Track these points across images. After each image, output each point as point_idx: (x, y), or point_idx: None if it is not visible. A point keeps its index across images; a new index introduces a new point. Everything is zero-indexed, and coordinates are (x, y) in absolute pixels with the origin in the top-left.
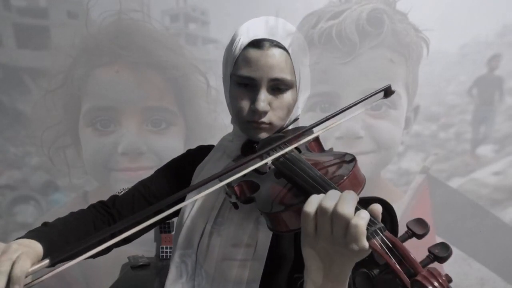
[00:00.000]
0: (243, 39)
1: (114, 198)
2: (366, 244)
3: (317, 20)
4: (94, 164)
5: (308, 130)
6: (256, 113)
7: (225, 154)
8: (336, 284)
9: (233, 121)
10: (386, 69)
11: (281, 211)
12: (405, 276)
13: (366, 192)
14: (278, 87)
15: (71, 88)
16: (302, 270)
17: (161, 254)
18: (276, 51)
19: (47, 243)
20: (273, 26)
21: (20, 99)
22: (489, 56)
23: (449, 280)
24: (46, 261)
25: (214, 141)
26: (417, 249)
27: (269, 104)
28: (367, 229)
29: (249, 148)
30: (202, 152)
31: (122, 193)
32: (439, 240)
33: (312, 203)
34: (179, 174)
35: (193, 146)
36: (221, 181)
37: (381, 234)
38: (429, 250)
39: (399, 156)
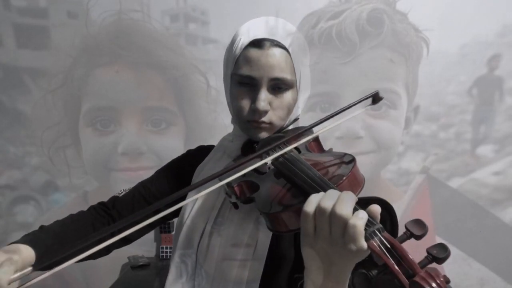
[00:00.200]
0: (244, 39)
1: (114, 199)
2: (364, 244)
3: (317, 20)
4: (94, 164)
5: (308, 130)
6: (256, 113)
7: (225, 154)
8: (336, 284)
9: (233, 121)
10: (386, 69)
11: (280, 211)
12: (403, 276)
13: (366, 192)
14: (278, 86)
15: (71, 88)
16: (302, 270)
17: (161, 254)
18: (276, 51)
19: (41, 247)
20: (273, 26)
21: (20, 99)
22: (489, 56)
23: (447, 281)
24: (29, 269)
25: (214, 141)
26: (416, 249)
27: (270, 103)
28: (366, 229)
29: (249, 148)
30: (202, 152)
31: (122, 194)
32: (439, 240)
33: (312, 203)
34: (179, 174)
35: (193, 146)
36: (220, 180)
37: (380, 235)
38: (427, 251)
39: (399, 156)
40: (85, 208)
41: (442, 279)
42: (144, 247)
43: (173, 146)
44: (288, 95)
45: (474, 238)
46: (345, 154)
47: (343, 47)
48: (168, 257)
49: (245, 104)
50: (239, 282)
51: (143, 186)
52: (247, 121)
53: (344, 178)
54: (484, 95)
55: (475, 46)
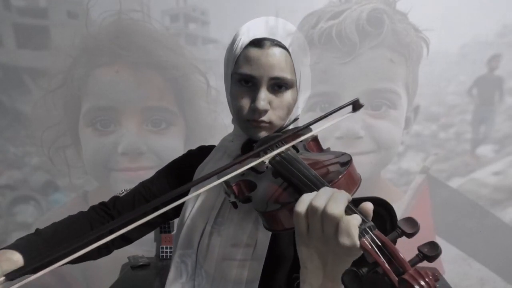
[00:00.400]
0: (244, 39)
1: (115, 199)
2: (357, 239)
3: (317, 20)
4: (94, 164)
5: (305, 129)
6: (256, 112)
7: (225, 154)
8: (331, 282)
9: (233, 121)
10: (386, 69)
11: (276, 210)
12: (393, 275)
13: (366, 192)
14: (278, 86)
15: (71, 88)
16: None
17: (161, 254)
18: (276, 50)
19: (31, 252)
20: (274, 26)
21: (20, 99)
22: (489, 56)
23: (436, 279)
24: (2, 278)
25: (214, 141)
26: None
27: (269, 103)
28: (358, 227)
29: (249, 147)
30: (203, 152)
31: (123, 194)
32: (439, 240)
33: (303, 202)
34: (180, 174)
35: (193, 146)
36: (218, 178)
37: (371, 233)
38: (418, 249)
39: (399, 156)
40: (85, 208)
41: (431, 277)
42: (144, 247)
43: (173, 146)
44: (288, 95)
45: (474, 238)
46: (342, 153)
47: (343, 47)
48: (168, 257)
49: (245, 103)
50: (238, 282)
51: (143, 186)
52: (247, 120)
53: (340, 177)
54: (484, 95)
55: (475, 46)
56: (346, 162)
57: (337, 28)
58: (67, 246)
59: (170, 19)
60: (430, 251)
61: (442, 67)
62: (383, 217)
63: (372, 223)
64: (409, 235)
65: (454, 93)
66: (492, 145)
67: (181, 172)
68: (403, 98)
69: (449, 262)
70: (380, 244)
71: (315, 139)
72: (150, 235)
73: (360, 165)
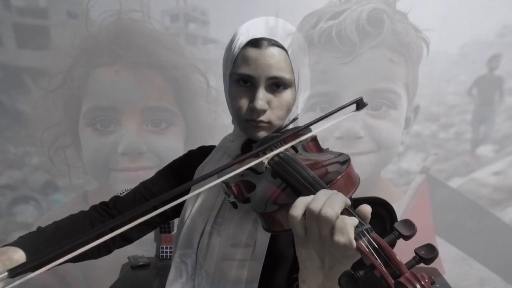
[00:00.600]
0: (242, 38)
1: (115, 199)
2: (352, 237)
3: (317, 20)
4: (94, 164)
5: (305, 129)
6: (254, 112)
7: (225, 154)
8: (331, 282)
9: (233, 121)
10: (386, 69)
11: (274, 211)
12: (390, 277)
13: (366, 192)
14: (277, 85)
15: (71, 88)
16: None
17: (161, 254)
18: (274, 50)
19: (33, 249)
20: (273, 26)
21: (20, 99)
22: (489, 56)
23: (432, 282)
24: (5, 274)
25: (214, 141)
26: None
27: (268, 103)
28: (354, 229)
29: (249, 147)
30: (203, 152)
31: (124, 194)
32: (439, 240)
33: (298, 207)
34: (180, 174)
35: (193, 146)
36: (218, 178)
37: (368, 235)
38: (415, 252)
39: (399, 156)
40: (85, 208)
41: (427, 280)
42: (144, 247)
43: (173, 146)
44: (287, 94)
45: (474, 238)
46: (341, 153)
47: (343, 47)
48: (168, 257)
49: (244, 103)
50: (238, 282)
51: (144, 186)
52: (246, 120)
53: (338, 177)
54: (484, 95)
55: (475, 46)
56: (345, 163)
57: (337, 28)
58: (69, 243)
59: (170, 19)
60: (427, 254)
61: (442, 67)
62: (383, 217)
63: (369, 226)
64: (406, 237)
65: (454, 93)
66: (492, 145)
67: (181, 172)
68: (403, 98)
69: (449, 262)
70: (377, 246)
71: (314, 139)
72: (150, 235)
73: (360, 165)
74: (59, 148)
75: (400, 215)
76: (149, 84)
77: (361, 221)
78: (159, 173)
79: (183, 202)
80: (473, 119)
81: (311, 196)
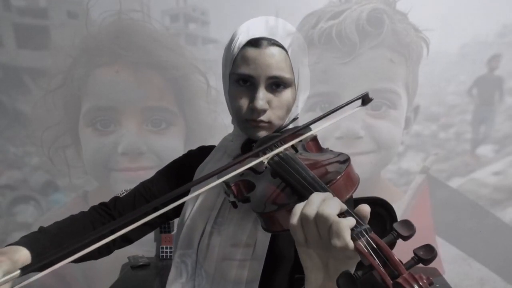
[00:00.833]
0: (242, 38)
1: (115, 199)
2: (349, 241)
3: (317, 20)
4: (94, 164)
5: (305, 128)
6: (255, 112)
7: (225, 154)
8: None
9: (233, 121)
10: (386, 69)
11: (273, 211)
12: (388, 278)
13: (366, 192)
14: (277, 85)
15: (71, 88)
16: (302, 270)
17: (161, 254)
18: (274, 50)
19: (38, 248)
20: (273, 26)
21: (20, 99)
22: (489, 56)
23: (430, 283)
24: (17, 272)
25: (214, 141)
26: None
27: (268, 103)
28: (353, 230)
29: (249, 147)
30: (203, 152)
31: (123, 194)
32: (439, 240)
33: (295, 214)
34: (180, 174)
35: (193, 146)
36: (218, 178)
37: (367, 236)
38: (414, 252)
39: (399, 156)
40: (85, 208)
41: (425, 281)
42: (144, 247)
43: (173, 146)
44: (287, 94)
45: (474, 238)
46: (340, 153)
47: (343, 47)
48: (168, 257)
49: (244, 103)
50: (238, 282)
51: (144, 186)
52: (246, 120)
53: (338, 177)
54: (484, 95)
55: (475, 46)
56: (344, 162)
57: (337, 28)
58: (73, 244)
59: (170, 19)
60: (426, 254)
61: (442, 67)
62: (383, 217)
63: (367, 226)
64: (405, 238)
65: (454, 93)
66: (492, 145)
67: (181, 172)
68: (403, 98)
69: (449, 262)
70: (375, 247)
71: (314, 139)
72: (150, 235)
73: (360, 165)
74: (59, 148)
75: (400, 215)
76: (149, 84)
77: (360, 221)
78: (159, 173)
79: (183, 202)
80: (473, 119)
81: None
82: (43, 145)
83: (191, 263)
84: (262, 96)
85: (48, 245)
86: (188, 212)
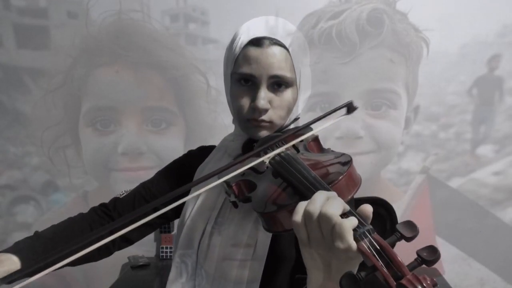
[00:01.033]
0: (243, 38)
1: (115, 200)
2: (352, 243)
3: (317, 20)
4: (94, 164)
5: (306, 128)
6: (256, 111)
7: (226, 154)
8: (331, 283)
9: (234, 121)
10: (386, 69)
11: (274, 211)
12: (391, 279)
13: (366, 192)
14: (278, 85)
15: (71, 88)
16: (303, 271)
17: (161, 254)
18: (276, 49)
19: (28, 255)
20: (273, 26)
21: (20, 99)
22: (489, 56)
23: (434, 284)
24: None
25: (214, 141)
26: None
27: (270, 102)
28: (356, 230)
29: (250, 147)
30: (203, 152)
31: (123, 195)
32: (439, 240)
33: (298, 212)
34: (180, 175)
35: (193, 146)
36: (218, 178)
37: (370, 236)
38: (417, 253)
39: (399, 156)
40: (85, 208)
41: (429, 282)
42: (144, 247)
43: (173, 146)
44: (288, 94)
45: (474, 238)
46: (343, 154)
47: (343, 47)
48: (168, 257)
49: (245, 102)
50: (239, 282)
51: (144, 187)
52: (247, 120)
53: (340, 178)
54: (484, 95)
55: (475, 46)
56: (346, 163)
57: (337, 28)
58: (65, 248)
59: (170, 19)
60: (429, 255)
61: (442, 67)
62: (383, 217)
63: (371, 227)
64: (408, 239)
65: (454, 93)
66: (492, 145)
67: (181, 172)
68: (403, 98)
69: (449, 262)
70: (378, 247)
71: (315, 139)
72: (150, 235)
73: (360, 165)
74: (59, 148)
75: (400, 215)
76: (149, 84)
77: (363, 222)
78: (159, 174)
79: (184, 202)
80: (473, 119)
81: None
82: (43, 145)
83: (191, 263)
84: (264, 96)
85: (40, 251)
86: (189, 212)
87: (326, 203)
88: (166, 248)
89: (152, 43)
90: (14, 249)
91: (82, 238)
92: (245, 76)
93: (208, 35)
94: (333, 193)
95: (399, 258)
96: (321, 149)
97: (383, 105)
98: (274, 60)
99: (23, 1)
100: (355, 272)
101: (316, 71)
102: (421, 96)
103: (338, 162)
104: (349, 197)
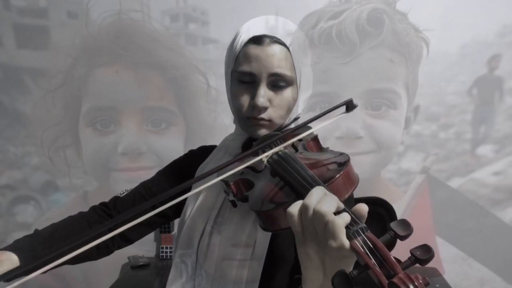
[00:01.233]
0: (244, 36)
1: (115, 199)
2: (345, 241)
3: (317, 20)
4: (94, 164)
5: (304, 128)
6: (255, 109)
7: (226, 154)
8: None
9: (234, 121)
10: (386, 69)
11: (271, 209)
12: (384, 278)
13: (366, 192)
14: (278, 83)
15: (71, 88)
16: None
17: (161, 254)
18: (276, 47)
19: (27, 253)
20: (274, 25)
21: (20, 99)
22: (489, 56)
23: (426, 283)
24: None
25: (214, 141)
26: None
27: (270, 101)
28: (349, 228)
29: (250, 146)
30: (203, 152)
31: (123, 194)
32: (439, 240)
33: (296, 204)
34: (180, 174)
35: (193, 146)
36: (218, 176)
37: (363, 235)
38: (411, 252)
39: (399, 156)
40: (85, 208)
41: (421, 281)
42: (144, 247)
43: (173, 146)
44: (288, 93)
45: (474, 238)
46: (341, 153)
47: (343, 47)
48: (168, 257)
49: (245, 100)
50: (238, 282)
51: (144, 186)
52: (247, 118)
53: (337, 176)
54: (484, 95)
55: (475, 46)
56: (344, 162)
57: (337, 28)
58: (64, 246)
59: (170, 19)
60: (423, 254)
61: (442, 67)
62: (383, 217)
63: (364, 225)
64: (402, 237)
65: (454, 93)
66: (492, 145)
67: (182, 172)
68: (403, 98)
69: (449, 262)
70: (371, 246)
71: (315, 138)
72: (150, 235)
73: (360, 165)
74: (59, 148)
75: (400, 215)
76: (149, 84)
77: (356, 220)
78: (159, 173)
79: (183, 202)
80: (473, 119)
81: None
82: (43, 145)
83: (191, 263)
84: (263, 94)
85: (40, 249)
86: (188, 212)
87: (320, 200)
88: (166, 248)
89: (152, 43)
90: (13, 247)
91: (79, 236)
92: (245, 74)
93: (208, 35)
94: (329, 192)
95: (392, 257)
96: (320, 149)
97: (383, 105)
98: (274, 58)
99: (23, 1)
100: (349, 271)
101: (316, 71)
102: (421, 96)
103: (336, 161)
104: (346, 196)
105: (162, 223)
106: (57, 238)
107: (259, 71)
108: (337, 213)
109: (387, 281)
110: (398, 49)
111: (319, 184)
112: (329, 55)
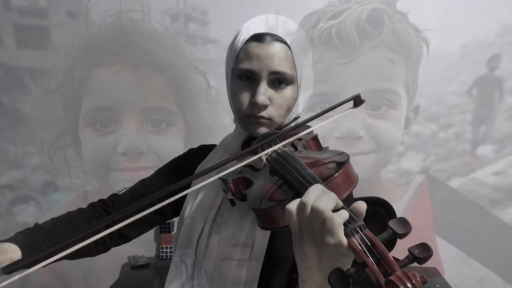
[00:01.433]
0: (245, 34)
1: (113, 197)
2: (342, 238)
3: (317, 20)
4: (94, 164)
5: (304, 126)
6: (255, 107)
7: (226, 153)
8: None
9: (235, 120)
10: (386, 69)
11: (269, 207)
12: (381, 275)
13: (366, 192)
14: (278, 81)
15: (71, 88)
16: None
17: (161, 254)
18: (277, 45)
19: (28, 245)
20: (274, 25)
21: (20, 99)
22: (489, 56)
23: (424, 281)
24: None
25: (214, 141)
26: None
27: (270, 99)
28: (347, 226)
29: (249, 145)
30: (203, 151)
31: (122, 192)
32: (439, 240)
33: (295, 201)
34: (179, 173)
35: (193, 146)
36: (217, 174)
37: (361, 232)
38: (409, 250)
39: (399, 156)
40: None
41: (418, 279)
42: (144, 247)
43: (173, 146)
44: (288, 91)
45: (474, 238)
46: (341, 152)
47: (343, 47)
48: (168, 257)
49: (245, 98)
50: (237, 282)
51: (143, 184)
52: (247, 116)
53: (336, 175)
54: (484, 95)
55: (475, 46)
56: (343, 161)
57: (337, 28)
58: (64, 240)
59: (170, 19)
60: (421, 253)
61: (442, 67)
62: (383, 217)
63: (362, 223)
64: (401, 236)
65: (454, 93)
66: (492, 145)
67: (181, 170)
68: (403, 98)
69: (449, 262)
70: (369, 244)
71: (314, 138)
72: (150, 235)
73: (360, 165)
74: (59, 148)
75: (400, 215)
76: (149, 84)
77: (354, 218)
78: (158, 172)
79: (182, 200)
80: (473, 119)
81: None
82: (43, 145)
83: (191, 263)
84: (263, 91)
85: (40, 242)
86: (188, 211)
87: (318, 198)
88: (166, 248)
89: (152, 43)
90: (15, 239)
91: (80, 231)
92: (245, 72)
93: (208, 35)
94: (327, 190)
95: (390, 255)
96: (320, 148)
97: (383, 105)
98: (275, 56)
99: (23, 1)
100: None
101: (316, 71)
102: (421, 96)
103: (335, 160)
104: (345, 194)
105: (160, 222)
106: (57, 233)
107: (259, 68)
108: (335, 210)
109: (384, 279)
110: (398, 49)
111: (318, 182)
112: (329, 55)
